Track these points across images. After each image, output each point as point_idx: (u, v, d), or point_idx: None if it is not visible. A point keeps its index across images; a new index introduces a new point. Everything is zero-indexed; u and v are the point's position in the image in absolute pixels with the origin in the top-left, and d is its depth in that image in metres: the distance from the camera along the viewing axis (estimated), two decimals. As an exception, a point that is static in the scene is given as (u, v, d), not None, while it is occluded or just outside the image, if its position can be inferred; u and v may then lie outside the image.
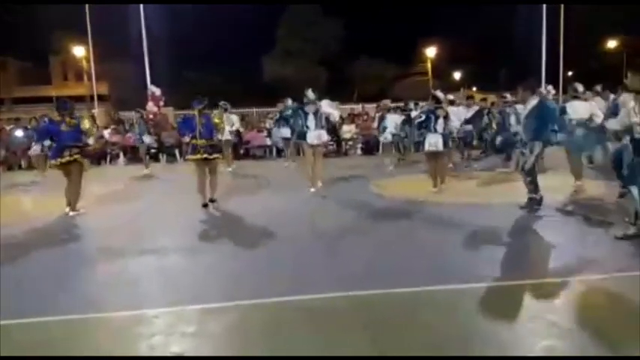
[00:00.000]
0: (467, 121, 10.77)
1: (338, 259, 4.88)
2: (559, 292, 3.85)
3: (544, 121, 6.41)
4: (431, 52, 37.62)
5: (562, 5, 22.91)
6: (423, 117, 8.48)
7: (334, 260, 4.82)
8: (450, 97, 11.54)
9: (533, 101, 6.52)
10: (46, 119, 13.58)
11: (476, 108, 11.73)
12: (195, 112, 7.50)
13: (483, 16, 32.34)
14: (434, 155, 8.21)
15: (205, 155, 7.38)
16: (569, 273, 4.20)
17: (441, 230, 5.93)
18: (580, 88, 8.26)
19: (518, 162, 6.59)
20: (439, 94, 8.71)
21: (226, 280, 4.40)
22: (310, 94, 8.81)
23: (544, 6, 21.17)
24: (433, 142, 8.10)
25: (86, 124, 7.72)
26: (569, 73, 30.71)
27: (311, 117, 8.66)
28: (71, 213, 7.38)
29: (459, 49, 37.31)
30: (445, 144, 8.19)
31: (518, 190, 6.92)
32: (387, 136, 12.08)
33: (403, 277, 4.27)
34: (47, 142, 7.96)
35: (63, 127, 7.46)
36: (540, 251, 5.10)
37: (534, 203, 6.47)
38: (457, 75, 44.91)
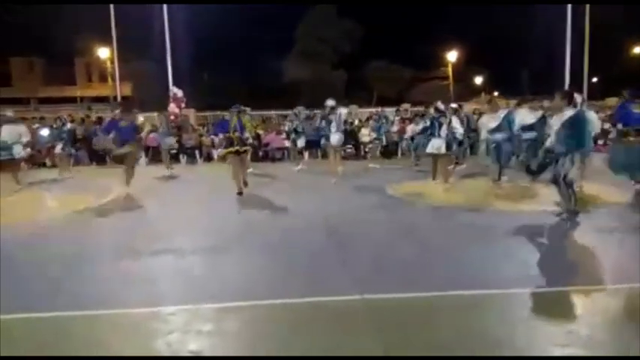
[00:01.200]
0: (529, 128, 8.77)
1: (355, 260, 4.86)
2: (582, 300, 3.78)
3: (583, 131, 6.27)
4: (452, 56, 37.29)
5: (587, 6, 22.32)
6: (428, 123, 9.67)
7: (351, 261, 4.81)
8: (454, 105, 11.66)
9: (569, 111, 6.25)
10: (65, 118, 13.91)
11: (539, 114, 9.04)
12: (234, 115, 9.01)
13: (505, 19, 31.94)
14: (435, 157, 9.35)
15: (237, 148, 8.77)
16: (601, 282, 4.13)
17: (468, 235, 5.86)
18: (579, 99, 7.97)
19: (555, 173, 6.40)
20: (440, 105, 9.74)
21: (243, 280, 4.43)
22: (330, 102, 10.74)
23: (569, 8, 20.75)
24: (436, 145, 9.15)
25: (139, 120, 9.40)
26: (594, 79, 30.11)
27: (333, 123, 10.63)
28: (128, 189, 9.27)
29: (480, 53, 36.94)
30: (448, 147, 9.21)
31: (546, 197, 6.82)
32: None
33: (422, 280, 4.24)
34: (111, 135, 9.45)
35: (122, 124, 9.36)
36: (567, 258, 5.01)
37: (570, 214, 6.28)
38: (478, 79, 44.44)
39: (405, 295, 3.88)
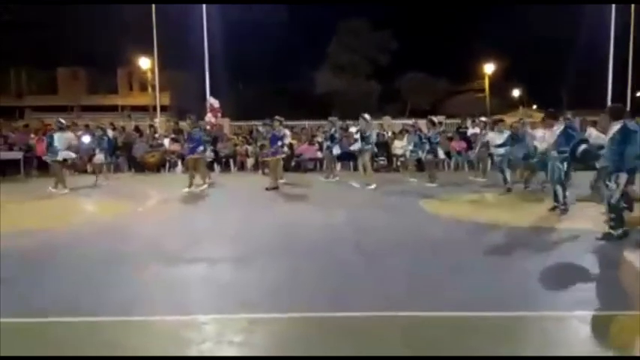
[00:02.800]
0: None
1: (384, 276, 4.83)
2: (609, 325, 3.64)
3: (627, 148, 5.84)
4: (488, 68, 36.75)
5: (632, 18, 21.47)
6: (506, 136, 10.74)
7: (379, 278, 4.78)
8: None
9: (616, 126, 5.98)
10: (106, 126, 14.50)
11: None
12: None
13: (544, 31, 31.29)
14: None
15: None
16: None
17: (500, 253, 5.74)
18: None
19: (603, 195, 6.18)
20: (434, 118, 12.36)
21: (273, 291, 4.46)
22: (367, 117, 11.53)
23: (612, 19, 20.11)
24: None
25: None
26: (638, 94, 29.01)
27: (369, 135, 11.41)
28: (200, 188, 10.91)
29: (517, 66, 36.24)
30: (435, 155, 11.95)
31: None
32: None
33: (451, 300, 4.18)
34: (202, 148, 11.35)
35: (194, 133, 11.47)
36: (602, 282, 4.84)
37: (612, 238, 5.99)
38: (516, 92, 43.62)
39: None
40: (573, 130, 8.09)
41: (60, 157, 11.06)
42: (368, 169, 11.42)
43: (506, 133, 10.74)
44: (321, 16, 36.87)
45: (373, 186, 10.99)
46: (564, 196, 7.77)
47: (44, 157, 11.13)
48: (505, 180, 10.30)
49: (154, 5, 21.79)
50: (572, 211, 7.77)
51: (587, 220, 7.17)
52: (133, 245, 6.28)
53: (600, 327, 3.68)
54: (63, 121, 12.05)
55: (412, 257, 5.57)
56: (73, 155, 11.57)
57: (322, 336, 3.52)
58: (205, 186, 11.14)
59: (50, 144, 11.04)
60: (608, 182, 6.05)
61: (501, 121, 11.85)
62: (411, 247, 6.05)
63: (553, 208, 7.94)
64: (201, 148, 11.18)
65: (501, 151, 10.61)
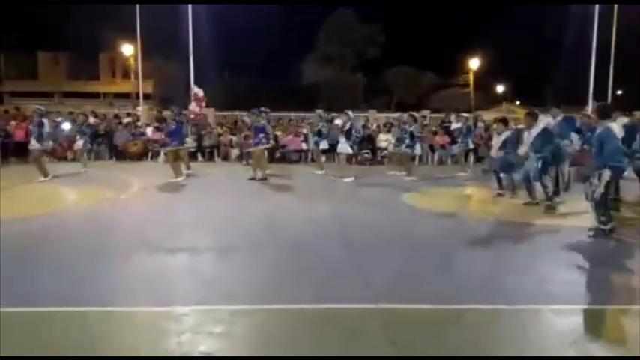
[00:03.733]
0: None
1: (367, 269, 4.85)
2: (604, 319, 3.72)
3: (607, 146, 5.95)
4: (474, 63, 37.00)
5: (615, 16, 21.83)
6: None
7: (362, 270, 4.80)
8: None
9: (600, 127, 6.15)
10: (87, 113, 14.27)
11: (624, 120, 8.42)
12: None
13: (529, 27, 31.61)
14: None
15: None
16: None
17: (483, 247, 5.81)
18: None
19: (586, 192, 6.31)
20: (416, 114, 13.09)
21: (256, 283, 4.44)
22: (350, 113, 11.86)
23: (596, 18, 20.39)
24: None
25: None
26: (619, 92, 29.52)
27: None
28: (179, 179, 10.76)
29: (502, 62, 36.58)
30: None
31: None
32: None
33: (434, 292, 4.21)
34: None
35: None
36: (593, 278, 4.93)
37: (602, 234, 6.10)
38: (500, 88, 44.04)
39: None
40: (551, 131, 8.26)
41: (48, 146, 11.11)
42: (343, 163, 11.77)
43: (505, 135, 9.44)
44: (309, 7, 36.69)
45: (351, 179, 11.11)
46: (547, 194, 7.93)
47: (34, 145, 10.86)
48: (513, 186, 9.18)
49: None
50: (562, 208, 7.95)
51: (575, 216, 7.29)
52: (115, 234, 6.19)
53: (588, 321, 3.75)
54: (43, 108, 11.82)
55: (395, 250, 5.60)
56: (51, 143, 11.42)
57: (305, 328, 3.52)
58: (182, 178, 10.92)
59: (40, 132, 10.87)
60: (592, 179, 6.15)
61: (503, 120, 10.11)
62: (394, 240, 6.08)
63: (527, 204, 8.21)
64: (176, 142, 11.07)
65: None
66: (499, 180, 9.24)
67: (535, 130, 8.04)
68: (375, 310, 3.78)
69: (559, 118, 9.08)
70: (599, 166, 6.01)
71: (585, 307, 4.01)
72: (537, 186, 8.10)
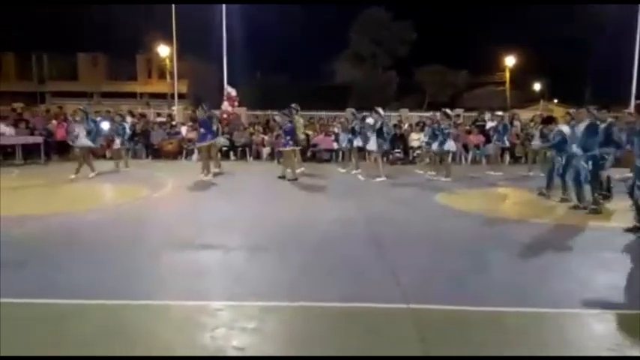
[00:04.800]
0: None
1: (398, 269, 4.80)
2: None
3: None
4: (509, 60, 36.16)
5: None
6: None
7: (394, 270, 4.76)
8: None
9: None
10: (125, 113, 14.69)
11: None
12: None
13: (568, 24, 30.65)
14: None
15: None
16: None
17: (524, 250, 5.68)
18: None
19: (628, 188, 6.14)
20: (449, 111, 11.99)
21: (285, 281, 4.47)
22: (380, 111, 11.54)
23: (638, 20, 19.61)
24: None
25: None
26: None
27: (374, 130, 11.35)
28: (207, 177, 11.04)
29: (539, 59, 35.60)
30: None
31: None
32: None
33: (476, 294, 4.14)
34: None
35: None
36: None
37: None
38: (537, 86, 42.88)
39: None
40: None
41: (95, 144, 11.74)
42: (379, 162, 11.49)
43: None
44: (340, 6, 36.66)
45: (383, 178, 11.01)
46: (595, 196, 7.58)
47: (86, 143, 11.33)
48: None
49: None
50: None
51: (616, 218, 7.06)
52: (149, 231, 6.36)
53: (629, 326, 3.62)
54: (86, 107, 12.41)
55: (427, 250, 5.54)
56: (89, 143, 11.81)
57: (333, 325, 3.52)
58: (211, 175, 11.14)
59: (95, 131, 11.52)
60: (628, 175, 5.98)
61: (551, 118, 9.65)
62: (426, 240, 6.01)
63: (575, 207, 7.82)
64: (209, 136, 11.28)
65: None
66: (563, 183, 8.43)
67: (582, 126, 7.57)
68: (406, 310, 3.74)
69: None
70: None
71: (627, 312, 3.86)
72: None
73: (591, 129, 7.40)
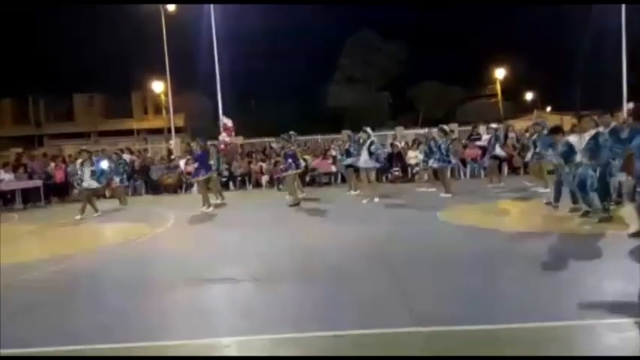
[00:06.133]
0: None
1: (407, 291, 4.74)
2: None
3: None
4: (499, 73, 36.57)
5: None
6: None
7: (403, 293, 4.70)
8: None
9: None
10: (123, 150, 14.77)
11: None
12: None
13: (555, 32, 31.08)
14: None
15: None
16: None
17: (526, 262, 5.63)
18: None
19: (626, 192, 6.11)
20: (445, 127, 12.25)
21: (295, 311, 4.40)
22: (368, 130, 11.64)
23: (623, 18, 19.89)
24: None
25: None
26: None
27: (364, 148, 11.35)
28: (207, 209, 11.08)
29: (529, 69, 36.01)
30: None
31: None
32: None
33: (482, 311, 4.08)
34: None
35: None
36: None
37: None
38: (529, 95, 43.23)
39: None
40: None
41: (100, 184, 12.01)
42: (372, 182, 11.51)
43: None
44: (330, 29, 37.20)
45: (376, 199, 10.98)
46: (602, 203, 7.48)
47: (92, 184, 11.41)
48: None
49: (164, 30, 22.23)
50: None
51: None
52: (153, 269, 6.31)
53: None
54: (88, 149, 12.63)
55: (434, 270, 5.48)
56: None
57: (347, 353, 3.46)
58: (212, 207, 11.19)
59: (100, 171, 11.81)
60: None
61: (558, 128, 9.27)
62: (432, 260, 5.96)
63: (585, 214, 7.72)
64: (202, 171, 11.48)
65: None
66: (572, 193, 8.24)
67: (588, 135, 7.54)
68: (418, 333, 3.68)
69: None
70: None
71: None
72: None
73: (597, 138, 7.39)
